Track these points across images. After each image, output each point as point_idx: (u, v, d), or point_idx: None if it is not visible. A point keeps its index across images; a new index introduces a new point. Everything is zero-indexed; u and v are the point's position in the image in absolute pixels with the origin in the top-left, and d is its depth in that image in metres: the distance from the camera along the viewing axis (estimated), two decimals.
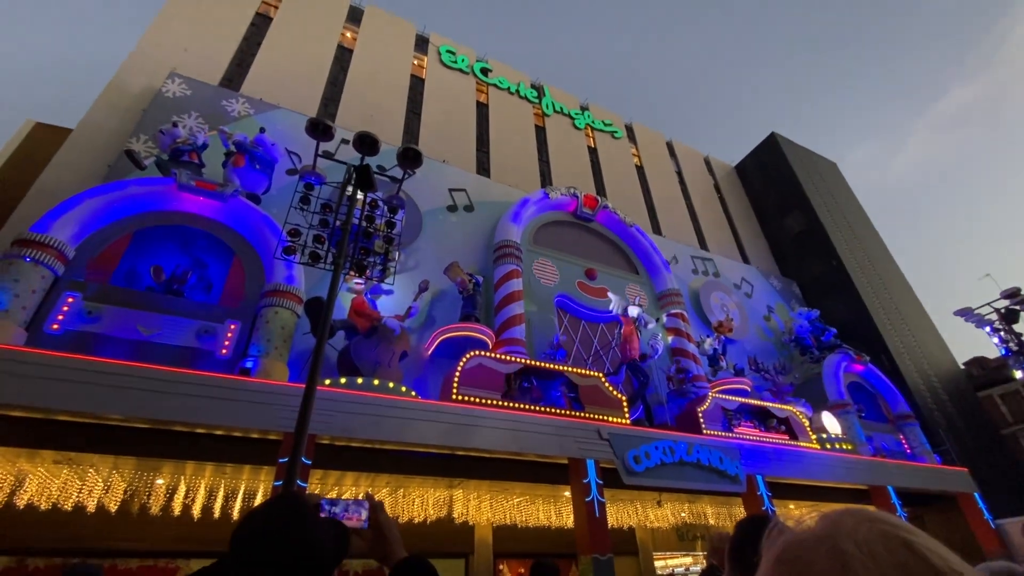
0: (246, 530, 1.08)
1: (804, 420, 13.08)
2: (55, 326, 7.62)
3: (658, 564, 12.57)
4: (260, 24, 17.75)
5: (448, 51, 21.86)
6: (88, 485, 7.59)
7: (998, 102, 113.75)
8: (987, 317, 12.63)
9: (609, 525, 9.34)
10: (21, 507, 7.23)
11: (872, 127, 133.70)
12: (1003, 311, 12.46)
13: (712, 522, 12.60)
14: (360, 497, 1.39)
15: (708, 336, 16.06)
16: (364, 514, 1.36)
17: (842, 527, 0.54)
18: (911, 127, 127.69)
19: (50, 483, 7.40)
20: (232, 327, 8.77)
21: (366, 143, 6.81)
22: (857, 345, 18.92)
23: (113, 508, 7.70)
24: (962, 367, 23.89)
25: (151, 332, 8.12)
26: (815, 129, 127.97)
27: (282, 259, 7.01)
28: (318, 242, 6.99)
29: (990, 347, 13.17)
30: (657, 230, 21.88)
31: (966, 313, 13.12)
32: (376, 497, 8.56)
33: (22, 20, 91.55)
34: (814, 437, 12.92)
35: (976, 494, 14.02)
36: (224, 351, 8.49)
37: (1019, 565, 1.70)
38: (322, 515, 1.23)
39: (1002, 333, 12.37)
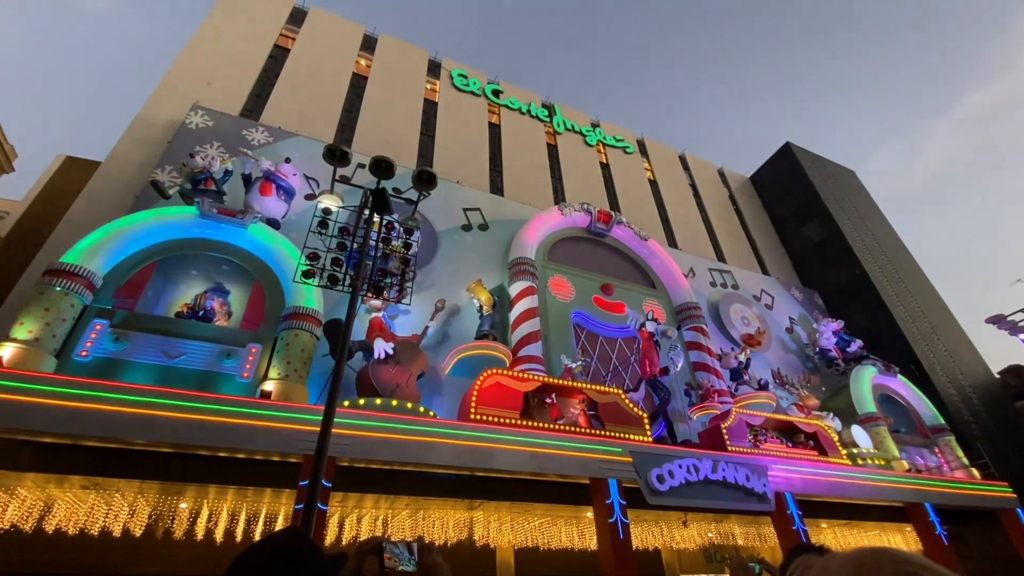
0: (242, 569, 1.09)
1: (833, 435, 12.68)
2: (84, 353, 7.82)
3: None
4: (278, 56, 18.38)
5: (460, 75, 22.32)
6: (114, 510, 7.68)
7: (1017, 103, 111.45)
8: (1021, 324, 12.19)
9: (634, 547, 9.10)
10: (50, 532, 7.34)
11: (889, 133, 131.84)
12: None
13: (741, 542, 12.21)
14: (411, 539, 1.37)
15: (733, 349, 15.79)
16: (415, 556, 1.33)
17: (862, 571, 0.52)
18: (930, 132, 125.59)
19: (78, 508, 7.52)
20: (253, 350, 8.89)
21: (381, 167, 6.92)
22: (885, 355, 18.38)
23: (138, 532, 7.77)
24: (997, 376, 22.98)
25: (175, 357, 8.27)
26: (831, 138, 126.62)
27: (301, 282, 7.12)
28: (336, 265, 7.09)
29: None
30: (673, 243, 21.74)
31: (998, 320, 12.70)
32: (396, 519, 8.47)
33: (59, 67, 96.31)
34: (844, 452, 12.50)
35: (1019, 509, 13.35)
36: (245, 374, 8.60)
37: None
38: (326, 552, 1.23)
39: None
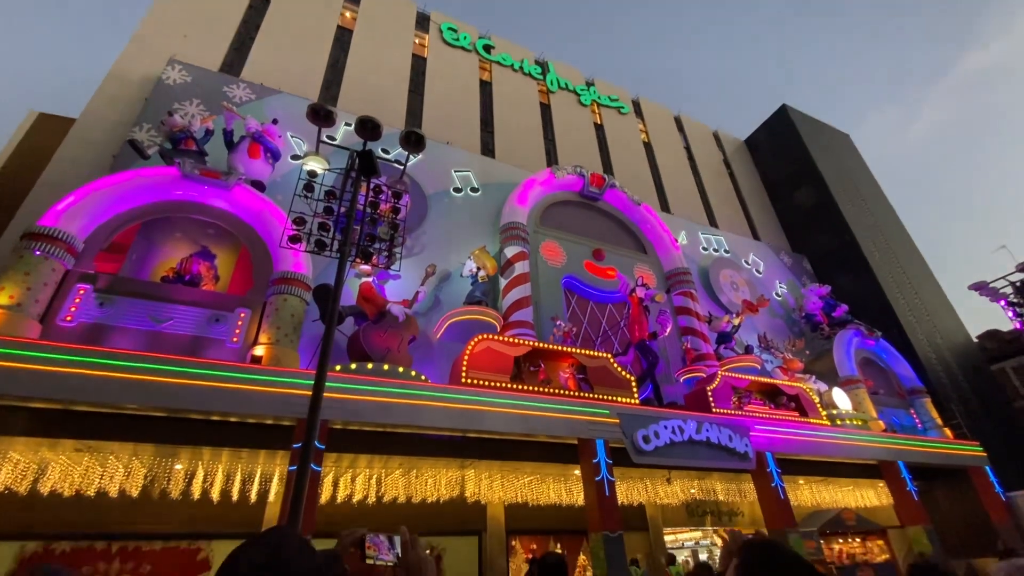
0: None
1: (814, 397, 13.05)
2: (68, 318, 7.72)
3: (668, 539, 12.76)
4: (258, 6, 17.46)
5: (450, 28, 21.42)
6: (109, 471, 7.77)
7: (1015, 66, 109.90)
8: (1002, 291, 12.41)
9: (619, 502, 9.46)
10: (45, 494, 7.44)
11: (887, 96, 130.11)
12: (1018, 284, 12.23)
13: (722, 498, 12.71)
14: (393, 535, 1.33)
15: (728, 314, 15.98)
16: (397, 549, 1.30)
17: None
18: (927, 94, 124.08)
19: (72, 470, 7.59)
20: (242, 315, 8.84)
21: (368, 128, 6.71)
22: (869, 320, 18.75)
23: (135, 493, 7.89)
24: (975, 340, 23.62)
25: (162, 322, 8.21)
26: (828, 100, 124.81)
27: (288, 247, 7.00)
28: (323, 229, 6.96)
29: (1005, 320, 12.98)
30: (665, 208, 21.62)
31: (981, 287, 12.90)
32: (389, 478, 8.65)
33: (22, 11, 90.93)
34: (824, 413, 12.91)
35: (987, 467, 14.00)
36: (235, 339, 8.58)
37: None
38: (313, 550, 1.19)
39: (1016, 307, 12.17)
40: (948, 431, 15.81)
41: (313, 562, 1.15)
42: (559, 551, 4.28)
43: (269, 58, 15.98)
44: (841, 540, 12.90)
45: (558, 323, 12.26)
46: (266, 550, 1.11)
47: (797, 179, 26.19)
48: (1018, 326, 12.66)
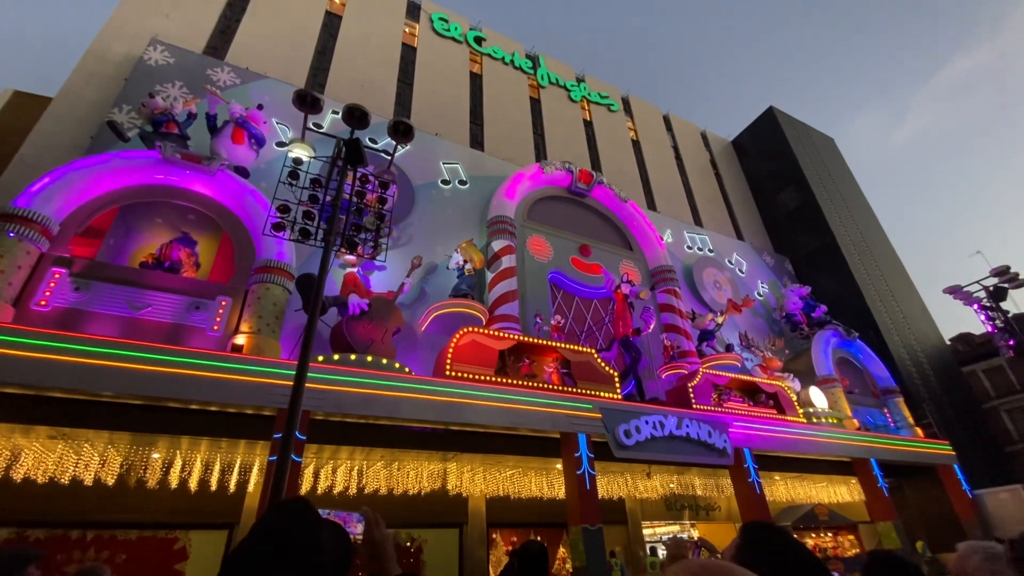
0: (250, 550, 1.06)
1: (792, 395, 13.31)
2: (43, 302, 7.53)
3: (646, 532, 12.95)
4: None
5: (441, 19, 21.21)
6: (84, 459, 7.63)
7: (1002, 71, 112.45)
8: (975, 295, 12.74)
9: (599, 496, 9.57)
10: (18, 481, 7.28)
11: (873, 98, 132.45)
12: (991, 289, 12.56)
13: (700, 492, 12.95)
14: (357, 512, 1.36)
15: (712, 313, 16.18)
16: (359, 528, 1.32)
17: None
18: (913, 97, 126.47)
19: (46, 457, 7.43)
20: (223, 303, 8.70)
21: (355, 116, 6.64)
22: (847, 321, 19.15)
23: (110, 482, 7.76)
24: (948, 343, 24.28)
25: (140, 308, 8.05)
26: (815, 101, 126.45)
27: (271, 235, 6.91)
28: (308, 218, 6.88)
29: (978, 323, 13.32)
30: (652, 205, 21.77)
31: (955, 291, 13.20)
32: (371, 469, 8.61)
33: None
34: (801, 411, 13.18)
35: (955, 465, 14.44)
36: (215, 328, 8.45)
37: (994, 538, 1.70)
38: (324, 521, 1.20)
39: (989, 311, 12.51)
40: (919, 430, 16.27)
41: (324, 536, 1.14)
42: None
43: (255, 42, 15.66)
44: (814, 535, 13.25)
45: (538, 320, 12.33)
46: (297, 516, 1.11)
47: (782, 181, 26.57)
48: (990, 329, 12.98)
